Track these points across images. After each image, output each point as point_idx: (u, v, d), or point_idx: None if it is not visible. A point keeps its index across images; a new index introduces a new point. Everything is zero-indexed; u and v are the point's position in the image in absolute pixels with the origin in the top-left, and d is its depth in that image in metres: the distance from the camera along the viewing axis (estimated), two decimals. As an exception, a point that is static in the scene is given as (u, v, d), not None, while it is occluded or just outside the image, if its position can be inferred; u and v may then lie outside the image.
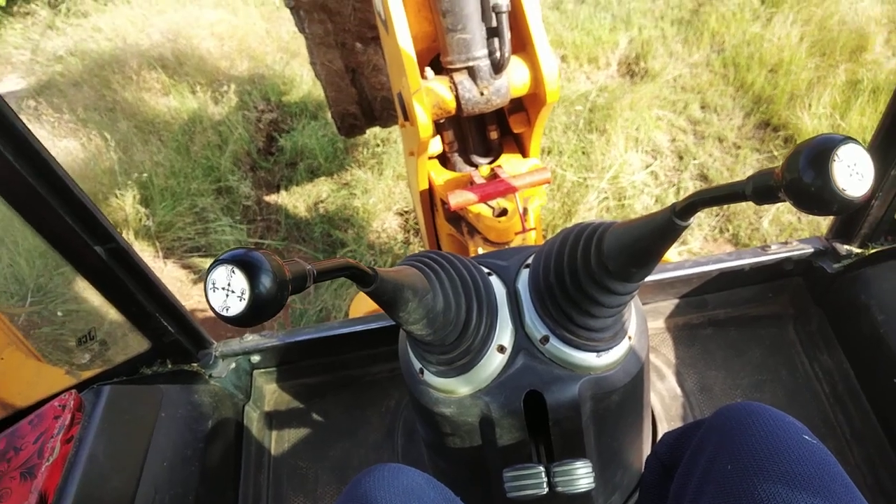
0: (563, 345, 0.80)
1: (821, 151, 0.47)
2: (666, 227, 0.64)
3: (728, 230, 2.57)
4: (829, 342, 1.22)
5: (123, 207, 2.99)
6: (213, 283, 0.48)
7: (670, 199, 2.67)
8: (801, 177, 0.47)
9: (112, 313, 1.10)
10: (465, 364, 0.81)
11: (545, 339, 0.81)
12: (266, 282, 0.47)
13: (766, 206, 2.58)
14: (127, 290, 1.05)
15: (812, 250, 1.20)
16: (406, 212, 2.87)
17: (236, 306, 0.48)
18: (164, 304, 1.13)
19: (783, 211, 2.56)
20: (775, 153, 2.82)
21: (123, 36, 4.24)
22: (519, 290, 0.85)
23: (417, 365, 0.86)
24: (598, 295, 0.75)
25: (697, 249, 2.56)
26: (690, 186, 2.74)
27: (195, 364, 1.27)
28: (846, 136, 0.48)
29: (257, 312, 0.48)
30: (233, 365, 1.31)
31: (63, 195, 0.94)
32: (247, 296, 0.47)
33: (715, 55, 3.38)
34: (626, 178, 2.81)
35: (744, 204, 2.60)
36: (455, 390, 0.82)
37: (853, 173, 0.47)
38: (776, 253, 1.21)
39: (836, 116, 2.87)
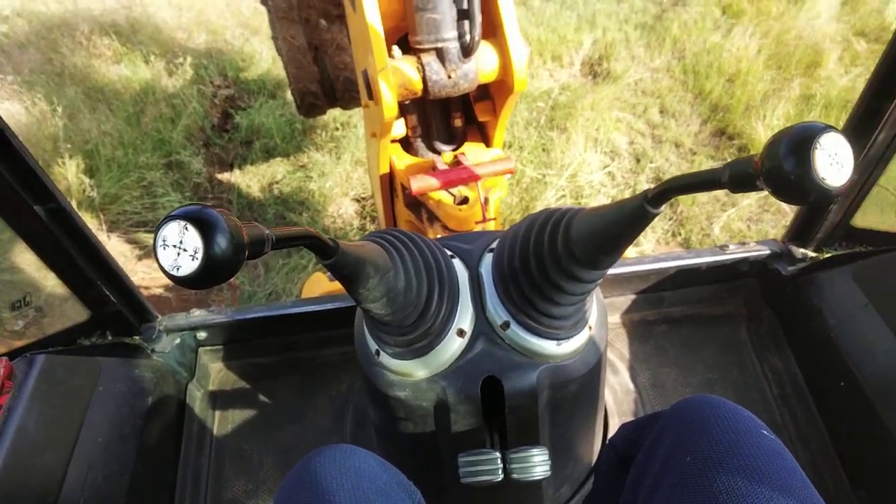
0: (524, 331, 0.79)
1: (803, 139, 0.46)
2: (637, 213, 0.63)
3: (680, 234, 2.61)
4: (780, 344, 1.23)
5: (66, 176, 2.85)
6: (164, 240, 0.44)
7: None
8: (782, 164, 0.46)
9: (51, 280, 1.05)
10: (424, 347, 0.78)
11: (506, 325, 0.79)
12: (222, 241, 0.43)
13: (717, 213, 2.63)
14: (67, 255, 0.99)
15: (769, 252, 1.22)
16: (363, 198, 2.83)
17: (188, 266, 0.44)
18: (107, 272, 1.07)
19: (734, 217, 2.61)
20: (729, 161, 2.86)
21: (74, -1, 4.07)
22: (482, 274, 0.83)
23: (373, 346, 0.83)
24: (563, 282, 0.73)
25: (650, 252, 2.59)
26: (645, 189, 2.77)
27: (137, 337, 1.22)
28: (827, 125, 0.47)
29: (210, 274, 0.44)
30: (177, 340, 1.25)
31: (1, 148, 0.88)
32: (200, 255, 0.43)
33: (676, 61, 3.43)
34: (584, 177, 2.82)
35: (696, 209, 2.64)
36: (412, 373, 0.80)
37: (833, 162, 0.46)
38: (734, 253, 1.22)
39: (789, 129, 2.94)
